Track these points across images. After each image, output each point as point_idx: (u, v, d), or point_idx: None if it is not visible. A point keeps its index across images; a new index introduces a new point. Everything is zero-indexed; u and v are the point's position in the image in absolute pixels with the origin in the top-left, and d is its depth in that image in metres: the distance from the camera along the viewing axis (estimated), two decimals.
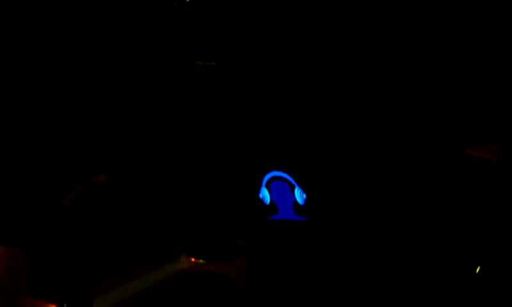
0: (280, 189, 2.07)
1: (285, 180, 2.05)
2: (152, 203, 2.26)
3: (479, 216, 2.34)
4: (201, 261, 1.91)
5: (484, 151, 2.46)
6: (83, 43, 2.27)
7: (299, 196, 2.06)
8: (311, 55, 2.01)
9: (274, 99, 2.04)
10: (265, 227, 2.09)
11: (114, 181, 2.17)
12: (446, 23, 2.17)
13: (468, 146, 2.51)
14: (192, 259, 1.92)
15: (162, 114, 2.16)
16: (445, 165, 2.41)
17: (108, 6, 2.20)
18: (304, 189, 2.04)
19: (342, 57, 2.00)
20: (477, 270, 2.25)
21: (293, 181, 2.04)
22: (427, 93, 2.08)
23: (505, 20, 2.13)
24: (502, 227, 2.27)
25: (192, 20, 1.95)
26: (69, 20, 2.39)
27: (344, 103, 1.97)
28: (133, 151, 2.17)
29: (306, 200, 2.05)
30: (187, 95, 2.12)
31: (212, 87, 2.00)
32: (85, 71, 2.26)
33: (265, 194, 2.09)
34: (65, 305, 1.75)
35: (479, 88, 2.40)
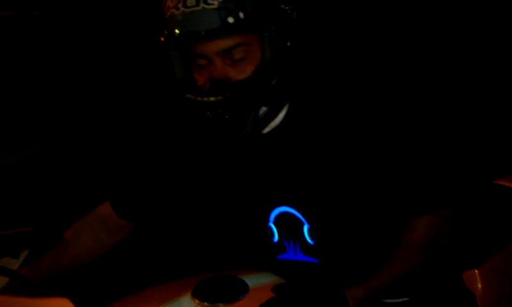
0: (289, 227, 1.86)
1: (295, 217, 1.85)
2: (155, 237, 2.12)
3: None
4: (205, 304, 1.71)
5: None
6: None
7: (308, 235, 1.86)
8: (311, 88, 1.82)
9: (282, 132, 1.82)
10: (273, 266, 1.89)
11: (119, 209, 2.01)
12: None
13: (498, 176, 2.38)
14: (196, 301, 1.72)
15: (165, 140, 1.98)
16: (473, 196, 2.25)
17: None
18: (314, 228, 1.84)
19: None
20: None
21: (303, 219, 1.85)
22: (452, 122, 1.92)
23: None
24: None
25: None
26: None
27: (359, 137, 1.76)
28: (137, 182, 2.00)
29: (316, 240, 1.86)
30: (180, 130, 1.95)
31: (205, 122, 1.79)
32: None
33: (273, 231, 1.90)
34: None
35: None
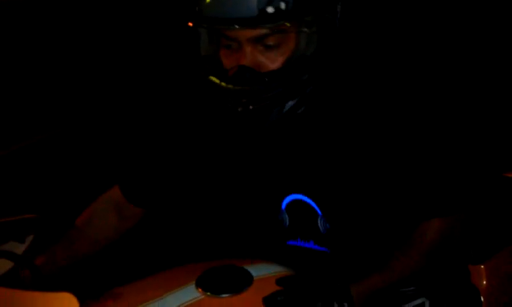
0: (302, 215, 1.84)
1: (308, 206, 1.83)
2: (162, 223, 2.09)
3: None
4: (209, 294, 1.70)
5: None
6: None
7: (321, 225, 1.84)
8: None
9: (304, 119, 1.74)
10: (282, 252, 1.87)
11: (129, 195, 1.98)
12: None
13: (509, 170, 2.36)
14: (200, 291, 1.71)
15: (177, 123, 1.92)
16: (483, 189, 2.23)
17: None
18: (327, 219, 1.83)
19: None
20: None
21: (317, 209, 1.83)
22: (462, 116, 1.90)
23: None
24: None
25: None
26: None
27: (377, 131, 1.73)
28: (149, 167, 1.96)
29: (329, 230, 1.84)
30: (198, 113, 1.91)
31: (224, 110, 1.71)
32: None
33: (284, 217, 1.88)
34: None
35: None
